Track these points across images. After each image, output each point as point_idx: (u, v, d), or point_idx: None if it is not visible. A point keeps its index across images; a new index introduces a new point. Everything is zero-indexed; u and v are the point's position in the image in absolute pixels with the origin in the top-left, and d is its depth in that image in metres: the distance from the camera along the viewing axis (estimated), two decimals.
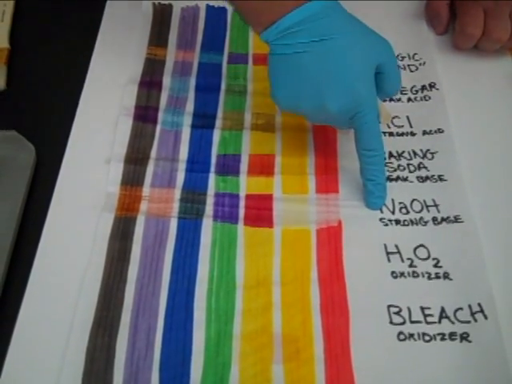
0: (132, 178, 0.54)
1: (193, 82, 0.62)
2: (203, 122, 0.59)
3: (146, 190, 0.54)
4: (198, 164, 0.55)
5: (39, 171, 0.55)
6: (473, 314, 0.46)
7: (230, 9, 0.69)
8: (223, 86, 0.62)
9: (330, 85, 0.48)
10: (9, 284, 0.48)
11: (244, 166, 0.56)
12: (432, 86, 0.62)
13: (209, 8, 0.69)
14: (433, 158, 0.56)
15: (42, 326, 0.46)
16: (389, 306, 0.47)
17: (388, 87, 0.51)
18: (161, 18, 0.68)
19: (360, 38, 0.50)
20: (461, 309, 0.47)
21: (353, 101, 0.49)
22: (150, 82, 0.62)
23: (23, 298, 0.47)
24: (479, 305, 0.46)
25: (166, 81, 0.62)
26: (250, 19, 0.53)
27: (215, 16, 0.68)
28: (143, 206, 0.53)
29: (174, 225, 0.51)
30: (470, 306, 0.47)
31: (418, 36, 0.67)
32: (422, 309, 0.47)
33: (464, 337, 0.45)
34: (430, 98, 0.61)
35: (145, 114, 0.59)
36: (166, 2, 0.69)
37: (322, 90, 0.48)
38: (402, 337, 0.45)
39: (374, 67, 0.50)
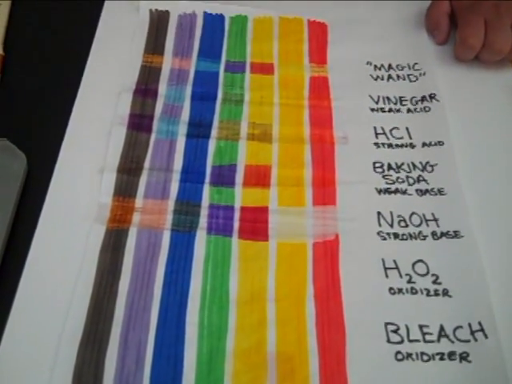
0: (125, 189, 0.53)
1: (189, 90, 0.61)
2: (199, 131, 0.57)
3: (139, 201, 0.52)
4: (192, 174, 0.54)
5: (30, 180, 0.54)
6: (473, 332, 0.45)
7: (227, 16, 0.68)
8: (220, 95, 0.61)
9: None
10: None
11: (239, 177, 0.54)
12: (432, 97, 0.61)
13: (206, 15, 0.68)
14: (432, 170, 0.55)
15: (29, 340, 0.45)
16: (386, 324, 0.46)
17: None
18: (157, 25, 0.67)
19: None
20: (460, 327, 0.45)
21: None
22: (145, 89, 0.60)
23: (11, 310, 0.46)
24: (479, 323, 0.45)
25: (162, 89, 0.61)
26: None
27: (213, 23, 0.67)
28: (136, 217, 0.51)
29: (166, 237, 0.50)
30: (469, 325, 0.45)
31: (419, 46, 0.66)
32: (421, 327, 0.45)
33: (463, 357, 0.44)
34: (430, 109, 0.60)
35: (139, 123, 0.58)
36: (163, 9, 0.68)
37: None
38: (399, 356, 0.44)
39: None
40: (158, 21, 0.67)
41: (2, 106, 0.60)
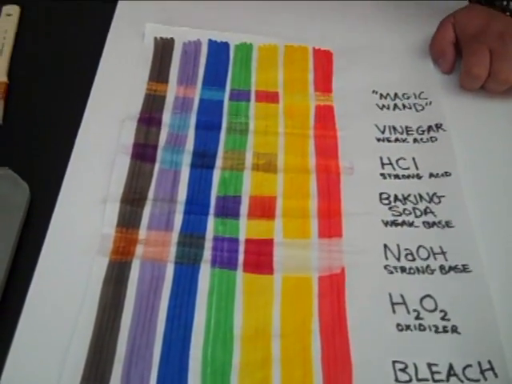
0: (128, 220, 0.52)
1: (193, 119, 0.60)
2: (203, 161, 0.57)
3: (143, 232, 0.52)
4: (196, 206, 0.54)
5: (33, 210, 0.53)
6: (482, 371, 0.44)
7: (232, 44, 0.68)
8: (224, 124, 0.60)
9: None
10: None
11: (244, 209, 0.54)
12: (439, 126, 0.60)
13: (211, 43, 0.68)
14: (440, 202, 0.54)
15: (30, 376, 0.44)
16: (394, 362, 0.45)
17: None
18: (162, 53, 0.67)
19: None
20: (470, 366, 0.44)
21: None
22: (149, 118, 0.60)
23: (12, 342, 0.45)
24: (489, 362, 0.44)
25: (166, 117, 0.60)
26: None
27: (217, 51, 0.67)
28: (139, 249, 0.51)
29: (170, 270, 0.49)
30: (479, 363, 0.44)
31: (424, 75, 0.66)
32: (429, 365, 0.45)
33: None
34: (436, 139, 0.59)
35: (143, 153, 0.57)
36: (168, 37, 0.68)
37: None
38: None
39: None
40: (163, 48, 0.67)
41: (5, 134, 0.59)
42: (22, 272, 0.49)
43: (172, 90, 0.63)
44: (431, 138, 0.59)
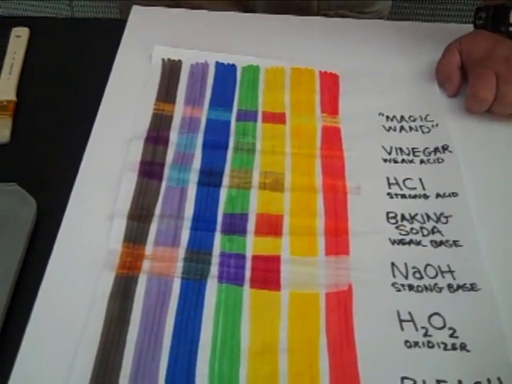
0: (135, 236, 0.52)
1: (200, 138, 0.61)
2: (210, 179, 0.57)
3: (149, 248, 0.52)
4: (203, 222, 0.54)
5: (40, 225, 0.53)
6: None
7: (239, 66, 0.68)
8: (231, 144, 0.60)
9: None
10: (4, 341, 0.46)
11: (251, 226, 0.54)
12: (445, 148, 0.60)
13: (218, 65, 0.68)
14: (447, 221, 0.54)
15: None
16: (403, 379, 0.44)
17: None
18: (169, 74, 0.67)
19: None
20: (479, 383, 0.44)
21: None
22: (156, 137, 0.60)
23: (17, 356, 0.45)
24: (499, 379, 0.44)
25: (173, 137, 0.61)
26: None
27: (224, 73, 0.68)
28: (146, 264, 0.50)
29: (177, 285, 0.49)
30: (488, 380, 0.44)
31: (430, 98, 0.66)
32: (438, 382, 0.44)
33: None
34: (443, 160, 0.59)
35: (150, 170, 0.57)
36: (176, 58, 0.69)
37: None
38: None
39: None
40: (171, 70, 0.68)
41: (14, 151, 0.60)
42: (29, 286, 0.49)
43: (179, 110, 0.63)
44: (438, 159, 0.60)
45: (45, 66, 0.69)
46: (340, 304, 0.48)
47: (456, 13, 1.52)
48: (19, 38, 0.72)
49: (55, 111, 0.64)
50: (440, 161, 0.59)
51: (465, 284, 0.50)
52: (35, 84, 0.67)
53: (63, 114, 0.63)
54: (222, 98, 0.65)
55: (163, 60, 0.68)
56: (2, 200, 0.54)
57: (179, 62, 0.69)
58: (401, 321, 0.47)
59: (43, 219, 0.54)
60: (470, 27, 0.70)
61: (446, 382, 0.44)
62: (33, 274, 0.50)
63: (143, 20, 0.74)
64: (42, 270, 0.50)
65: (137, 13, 0.75)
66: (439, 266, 0.51)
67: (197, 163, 0.58)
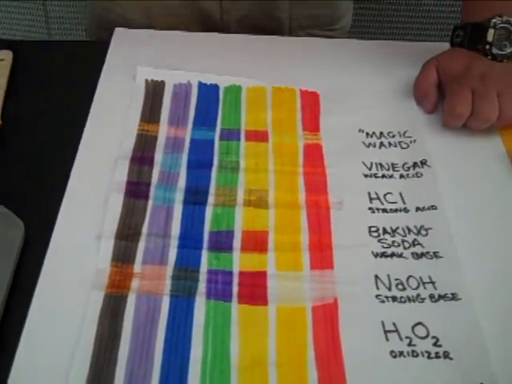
0: (123, 255, 0.53)
1: (185, 158, 0.62)
2: (195, 198, 0.58)
3: (138, 266, 0.52)
4: (190, 240, 0.55)
5: (27, 247, 0.54)
6: None
7: (221, 86, 0.70)
8: (215, 162, 0.62)
9: None
10: None
11: (237, 243, 0.55)
12: (423, 163, 0.62)
13: (201, 85, 0.70)
14: (427, 234, 0.56)
15: None
16: None
17: None
18: (153, 95, 0.68)
19: None
20: None
21: None
22: (141, 157, 0.61)
23: (8, 377, 0.45)
24: None
25: (158, 157, 0.62)
26: None
27: (207, 93, 0.69)
28: (134, 283, 0.51)
29: (166, 303, 0.50)
30: None
31: (408, 114, 0.68)
32: None
33: None
34: (422, 174, 0.61)
35: (136, 190, 0.58)
36: (159, 79, 0.70)
37: None
38: None
39: None
40: (154, 91, 0.69)
41: (0, 173, 0.60)
42: (18, 307, 0.50)
43: (163, 131, 0.65)
44: (417, 173, 0.61)
45: (29, 88, 0.70)
46: (326, 317, 0.50)
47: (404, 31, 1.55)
48: (2, 62, 0.73)
49: (41, 133, 0.65)
50: (419, 175, 0.61)
51: (446, 294, 0.51)
52: (20, 106, 0.67)
53: (49, 136, 0.64)
54: (205, 117, 0.66)
55: (146, 81, 0.70)
56: None
57: (162, 83, 0.70)
58: (385, 331, 0.49)
59: (31, 241, 0.54)
60: (444, 45, 0.73)
61: None
62: (22, 295, 0.51)
63: (125, 42, 0.75)
64: (31, 291, 0.51)
65: (119, 34, 0.76)
66: (421, 277, 0.52)
67: (182, 182, 0.59)
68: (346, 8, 0.92)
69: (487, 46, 0.68)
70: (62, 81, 0.71)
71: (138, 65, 0.71)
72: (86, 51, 0.76)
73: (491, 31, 0.67)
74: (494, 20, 0.67)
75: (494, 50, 0.68)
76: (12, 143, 0.63)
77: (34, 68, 0.73)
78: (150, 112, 0.67)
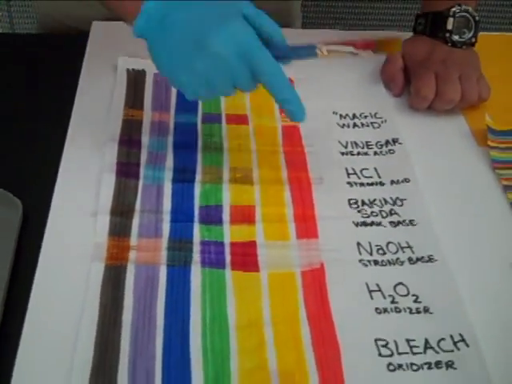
0: (119, 229, 0.56)
1: (170, 140, 0.65)
2: (184, 176, 0.61)
3: (134, 239, 0.55)
4: (181, 214, 0.58)
5: (26, 225, 0.56)
6: (455, 343, 0.49)
7: None
8: (200, 143, 0.65)
9: (208, 26, 0.53)
10: (2, 338, 0.49)
11: (226, 216, 0.58)
12: (395, 141, 0.67)
13: None
14: (402, 204, 0.60)
15: (39, 376, 0.46)
16: (376, 340, 0.50)
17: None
18: (135, 83, 0.71)
19: None
20: (443, 339, 0.50)
21: (234, 34, 0.52)
22: (129, 140, 0.64)
23: (18, 347, 0.47)
24: (460, 334, 0.50)
25: (145, 139, 0.65)
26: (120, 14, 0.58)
27: None
28: (132, 255, 0.54)
29: (163, 272, 0.53)
30: (451, 336, 0.50)
31: (377, 97, 0.73)
32: (408, 341, 0.49)
33: (449, 364, 0.48)
34: (394, 151, 0.66)
35: (127, 170, 0.61)
36: (139, 68, 0.73)
37: (202, 34, 0.52)
38: (391, 367, 0.48)
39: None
40: (135, 78, 0.72)
41: None
42: (22, 284, 0.52)
43: (148, 116, 0.68)
44: (389, 150, 0.66)
45: (13, 76, 0.72)
46: (315, 280, 0.53)
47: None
48: None
49: (30, 121, 0.67)
50: (392, 152, 0.66)
51: (423, 257, 0.56)
52: (6, 95, 0.70)
53: (38, 123, 0.67)
54: (187, 103, 0.69)
55: (128, 70, 0.72)
56: None
57: (143, 72, 0.73)
58: (370, 291, 0.53)
59: (29, 219, 0.57)
60: (408, 34, 0.77)
61: (414, 340, 0.50)
62: (25, 271, 0.53)
63: (103, 33, 0.78)
64: (34, 268, 0.53)
65: (97, 27, 0.79)
66: (399, 243, 0.57)
67: (169, 162, 0.63)
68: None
69: (447, 34, 0.72)
70: (45, 72, 0.73)
71: (118, 55, 0.74)
72: (63, 44, 0.78)
73: (451, 20, 0.72)
74: (453, 9, 0.72)
75: (454, 38, 0.72)
76: (3, 132, 0.65)
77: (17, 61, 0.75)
78: (134, 99, 0.69)
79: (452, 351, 0.49)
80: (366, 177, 0.63)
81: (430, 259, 0.55)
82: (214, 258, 0.55)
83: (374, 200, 0.61)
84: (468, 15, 0.72)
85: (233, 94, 0.56)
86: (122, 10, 0.58)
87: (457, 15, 0.72)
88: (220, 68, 0.53)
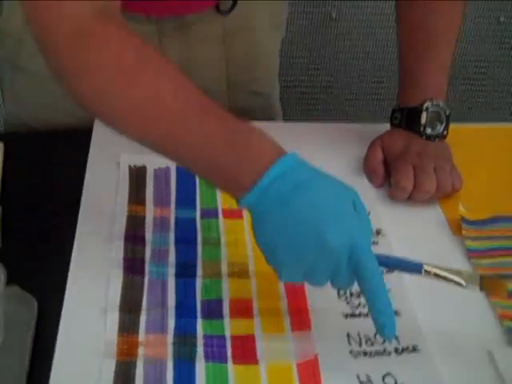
0: (128, 326, 0.61)
1: (172, 236, 0.70)
2: (186, 271, 0.66)
3: (142, 336, 0.60)
4: (185, 310, 0.63)
5: (40, 322, 0.61)
6: None
7: None
8: (199, 239, 0.70)
9: (327, 221, 0.53)
10: None
11: (226, 310, 0.63)
12: (378, 232, 0.72)
13: (178, 169, 0.78)
14: None
15: None
16: None
17: None
18: (136, 179, 0.77)
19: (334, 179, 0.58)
20: None
21: (349, 233, 0.53)
22: (133, 236, 0.69)
23: None
24: None
25: (148, 235, 0.70)
26: (227, 186, 0.59)
27: (185, 175, 0.78)
28: (141, 350, 0.59)
29: (170, 368, 0.57)
30: None
31: (360, 189, 0.78)
32: None
33: None
34: (377, 242, 0.71)
35: (133, 266, 0.66)
36: (140, 164, 0.79)
37: (320, 227, 0.53)
38: None
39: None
40: (137, 175, 0.77)
41: (6, 254, 0.67)
42: (38, 379, 0.56)
43: (150, 211, 0.73)
44: (373, 242, 0.71)
45: (25, 172, 0.78)
46: (309, 371, 0.58)
47: None
48: None
49: (42, 214, 0.72)
50: (375, 243, 0.71)
51: (408, 347, 0.61)
52: (16, 191, 0.75)
53: (46, 217, 0.72)
54: (186, 198, 0.75)
55: (130, 166, 0.78)
56: (5, 303, 0.61)
57: (144, 168, 0.78)
58: (361, 382, 0.58)
59: (43, 316, 0.61)
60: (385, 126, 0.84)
61: None
62: (41, 368, 0.57)
63: (106, 131, 0.83)
64: (49, 365, 0.57)
65: (100, 123, 0.84)
66: None
67: (172, 258, 0.68)
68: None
69: (421, 128, 0.79)
70: (51, 169, 0.79)
71: (121, 151, 0.79)
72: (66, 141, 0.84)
73: (424, 114, 0.79)
74: (426, 104, 0.79)
75: (428, 131, 0.79)
76: (13, 226, 0.70)
77: (25, 159, 0.80)
78: (136, 195, 0.75)
79: None
80: None
81: (415, 349, 0.60)
82: (216, 352, 0.59)
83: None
84: (439, 110, 0.79)
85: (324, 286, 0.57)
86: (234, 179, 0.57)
87: (430, 109, 0.79)
88: (328, 263, 0.54)
